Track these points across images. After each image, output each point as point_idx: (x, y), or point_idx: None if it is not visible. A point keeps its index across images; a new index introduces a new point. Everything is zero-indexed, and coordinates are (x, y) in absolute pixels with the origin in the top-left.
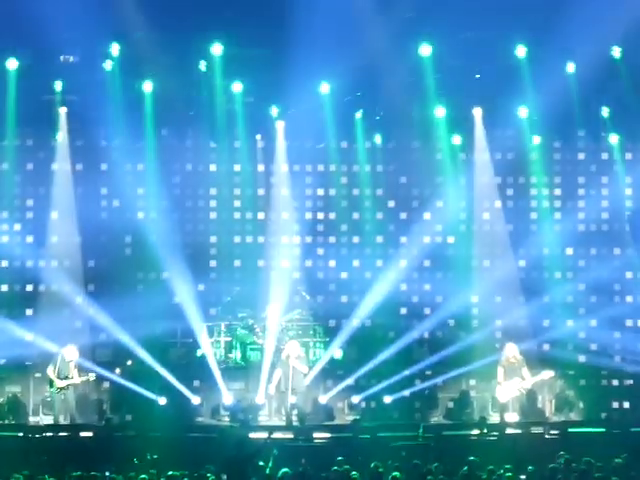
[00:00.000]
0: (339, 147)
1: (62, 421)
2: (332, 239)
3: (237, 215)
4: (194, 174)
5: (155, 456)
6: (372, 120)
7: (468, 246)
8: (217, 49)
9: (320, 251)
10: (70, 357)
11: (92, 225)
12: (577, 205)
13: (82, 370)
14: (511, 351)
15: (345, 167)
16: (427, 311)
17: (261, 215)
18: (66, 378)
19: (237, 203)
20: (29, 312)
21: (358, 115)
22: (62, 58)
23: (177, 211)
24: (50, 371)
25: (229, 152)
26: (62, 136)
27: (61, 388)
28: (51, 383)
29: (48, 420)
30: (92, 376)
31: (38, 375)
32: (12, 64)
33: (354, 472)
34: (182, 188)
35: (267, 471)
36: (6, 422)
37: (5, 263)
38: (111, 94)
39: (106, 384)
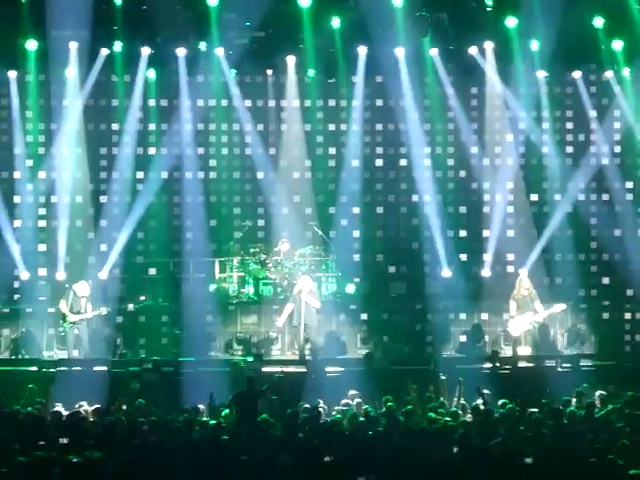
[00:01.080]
0: (349, 81)
1: (75, 355)
2: (344, 174)
3: (248, 151)
4: (204, 109)
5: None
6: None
7: (479, 180)
8: None
9: (332, 186)
10: (82, 292)
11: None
12: (589, 138)
13: (94, 304)
14: (524, 283)
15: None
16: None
17: (272, 150)
18: (79, 313)
19: (248, 139)
20: (42, 247)
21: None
22: None
23: (191, 146)
24: (63, 305)
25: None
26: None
27: (74, 322)
28: (64, 317)
29: (62, 355)
30: (104, 310)
31: (52, 310)
32: None
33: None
34: (194, 123)
35: (279, 405)
36: (19, 357)
37: (17, 199)
38: None
39: (119, 319)
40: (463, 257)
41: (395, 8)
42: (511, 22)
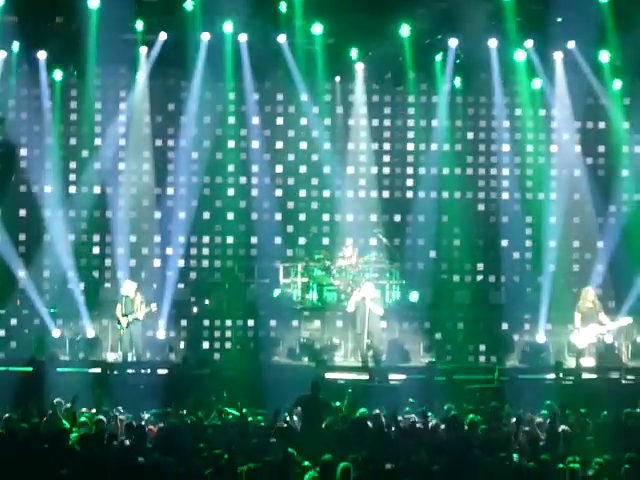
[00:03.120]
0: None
1: (130, 358)
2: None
3: (314, 157)
4: (272, 117)
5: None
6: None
7: (547, 190)
8: None
9: (398, 194)
10: (128, 292)
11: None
12: None
13: (147, 303)
14: (589, 296)
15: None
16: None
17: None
18: (132, 313)
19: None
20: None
21: (438, 58)
22: None
23: (258, 153)
24: (118, 310)
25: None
26: (142, 75)
27: (128, 324)
28: (119, 321)
29: (116, 358)
30: (154, 306)
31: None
32: (94, 2)
33: (430, 413)
34: (262, 130)
35: (343, 411)
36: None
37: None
38: (191, 35)
39: (183, 322)
40: (551, 267)
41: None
42: None
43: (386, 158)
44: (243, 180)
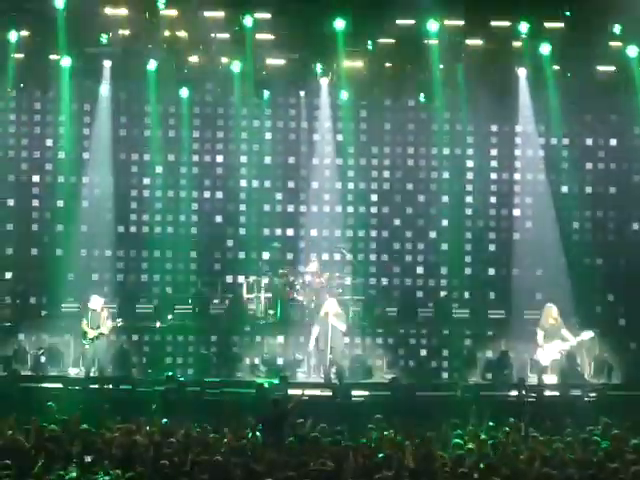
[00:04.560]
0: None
1: (92, 372)
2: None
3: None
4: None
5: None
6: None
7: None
8: None
9: (362, 209)
10: (95, 306)
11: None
12: None
13: (113, 318)
14: (551, 312)
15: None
16: (467, 271)
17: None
18: (98, 328)
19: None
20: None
21: None
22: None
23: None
24: (83, 324)
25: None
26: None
27: (92, 338)
28: (84, 335)
29: (78, 372)
30: (119, 322)
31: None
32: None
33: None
34: (226, 144)
35: (304, 428)
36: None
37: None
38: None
39: (141, 337)
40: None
41: None
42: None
43: (350, 173)
44: (207, 194)
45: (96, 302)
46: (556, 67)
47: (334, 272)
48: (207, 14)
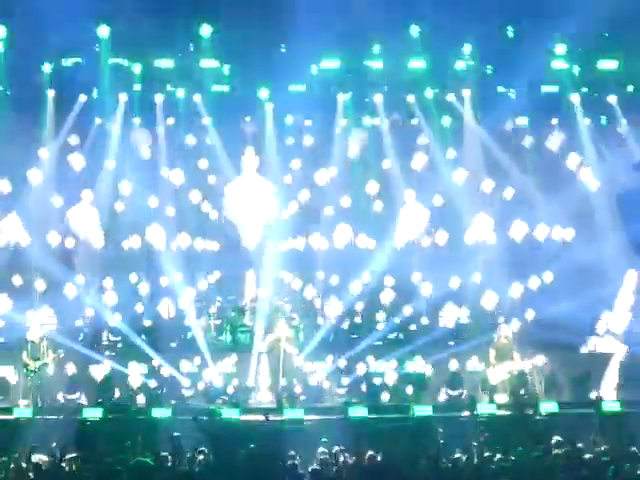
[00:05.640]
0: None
1: (40, 404)
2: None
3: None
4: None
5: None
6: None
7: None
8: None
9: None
10: (33, 336)
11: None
12: None
13: (54, 349)
14: (503, 332)
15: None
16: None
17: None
18: (38, 359)
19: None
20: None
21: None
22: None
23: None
24: (24, 355)
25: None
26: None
27: (34, 370)
28: (26, 367)
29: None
30: (61, 353)
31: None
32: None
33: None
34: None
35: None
36: None
37: None
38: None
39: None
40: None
41: None
42: None
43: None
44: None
45: (36, 332)
46: None
47: (284, 297)
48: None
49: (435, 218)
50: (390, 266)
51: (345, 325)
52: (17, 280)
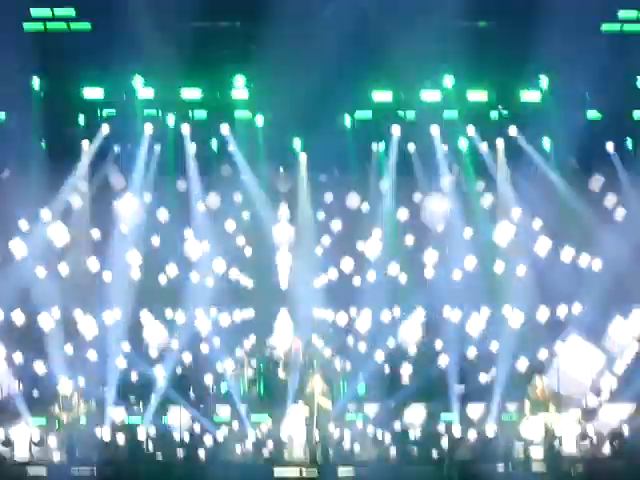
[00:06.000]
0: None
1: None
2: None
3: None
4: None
5: None
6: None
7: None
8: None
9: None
10: (65, 391)
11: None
12: None
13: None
14: (538, 385)
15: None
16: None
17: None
18: (70, 411)
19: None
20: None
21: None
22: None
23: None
24: (56, 409)
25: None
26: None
27: (69, 422)
28: (58, 420)
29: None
30: (93, 404)
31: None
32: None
33: None
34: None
35: None
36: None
37: None
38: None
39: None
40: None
41: None
42: None
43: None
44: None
45: (66, 385)
46: None
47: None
48: None
49: None
50: None
51: None
52: None
